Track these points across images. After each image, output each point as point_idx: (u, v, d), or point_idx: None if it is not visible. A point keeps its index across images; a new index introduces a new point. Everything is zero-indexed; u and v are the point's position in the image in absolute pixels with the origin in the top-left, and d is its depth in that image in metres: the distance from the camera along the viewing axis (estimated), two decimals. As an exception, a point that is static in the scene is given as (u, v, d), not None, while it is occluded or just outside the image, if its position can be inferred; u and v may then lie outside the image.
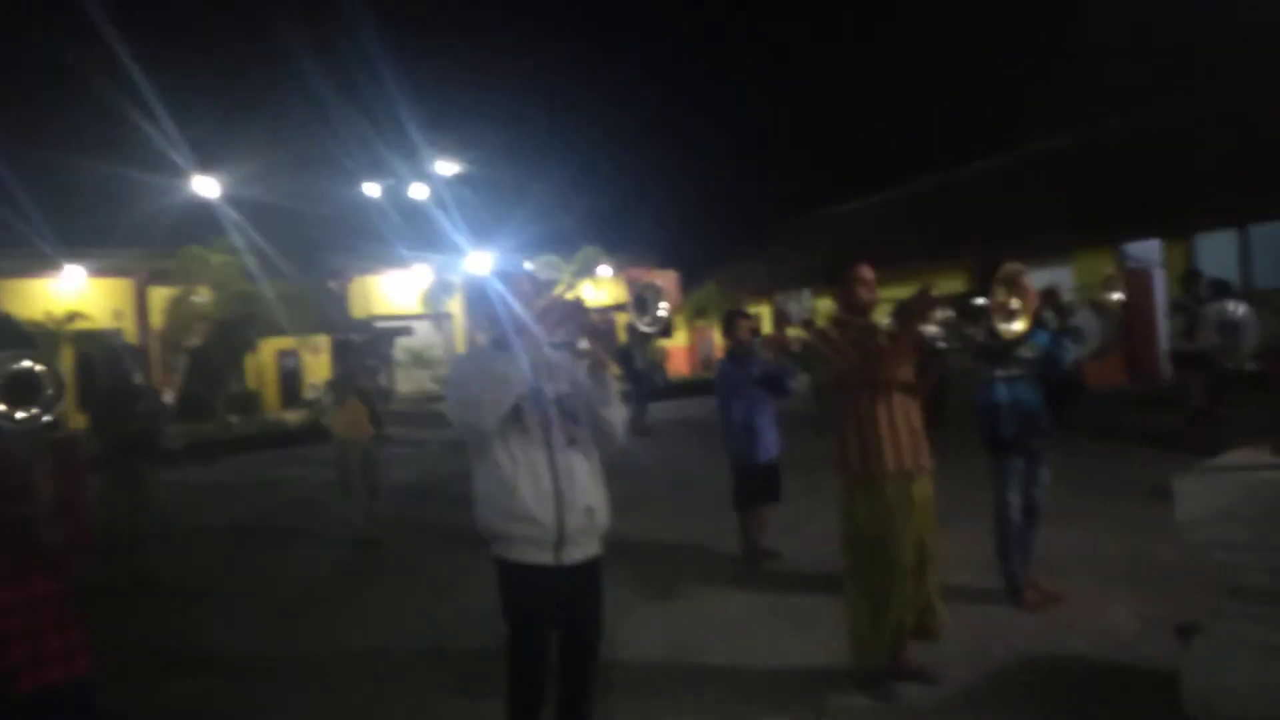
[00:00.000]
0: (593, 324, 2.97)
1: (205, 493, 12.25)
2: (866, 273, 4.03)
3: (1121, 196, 16.47)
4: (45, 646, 2.13)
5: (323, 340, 25.72)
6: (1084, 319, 5.39)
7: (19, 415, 1.93)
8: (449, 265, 26.33)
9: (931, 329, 4.00)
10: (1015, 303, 3.75)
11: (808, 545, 6.20)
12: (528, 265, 4.49)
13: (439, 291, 27.06)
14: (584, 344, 2.99)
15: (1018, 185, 20.91)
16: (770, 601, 5.31)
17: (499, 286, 3.03)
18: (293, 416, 21.27)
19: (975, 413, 4.88)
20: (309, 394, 24.30)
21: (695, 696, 4.04)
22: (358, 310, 27.68)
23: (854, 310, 4.03)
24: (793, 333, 7.11)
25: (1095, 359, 4.93)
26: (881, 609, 3.84)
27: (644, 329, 3.08)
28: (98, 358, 7.97)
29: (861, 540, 3.90)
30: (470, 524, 3.11)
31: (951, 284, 18.89)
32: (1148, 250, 16.63)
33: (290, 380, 26.48)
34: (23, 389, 1.95)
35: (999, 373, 4.76)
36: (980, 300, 3.84)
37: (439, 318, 28.57)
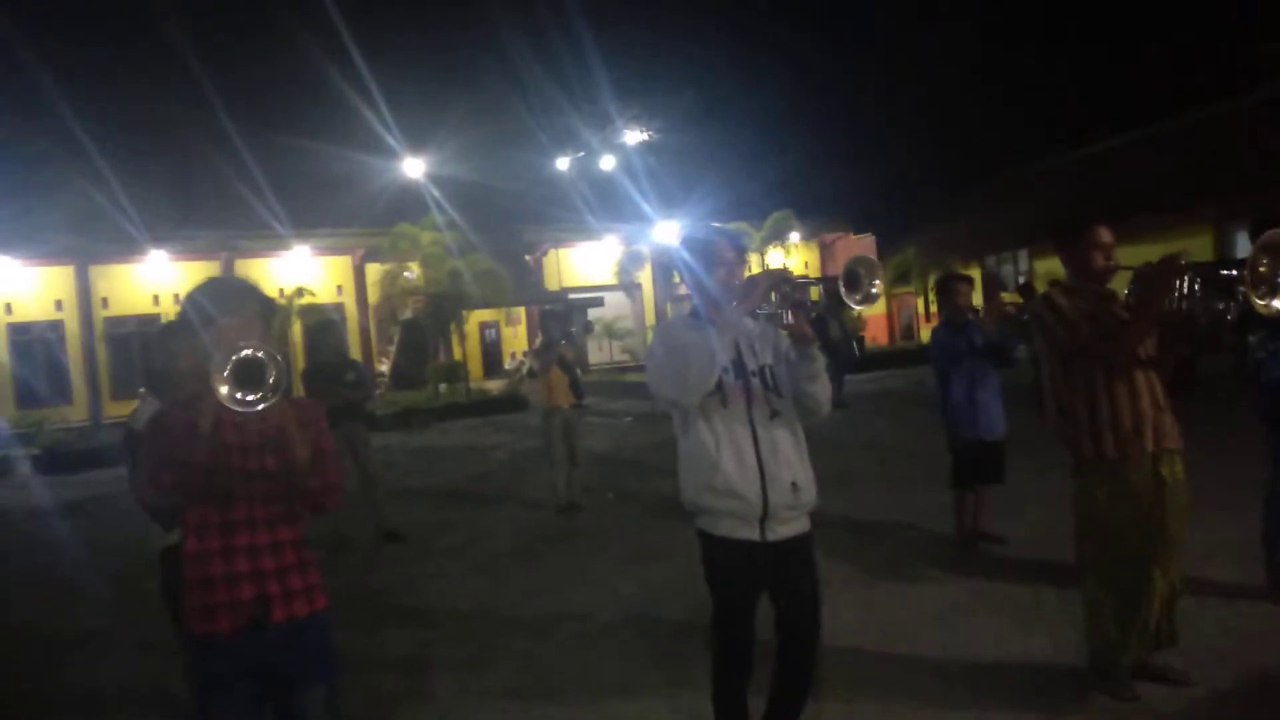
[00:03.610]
0: (798, 297, 2.82)
1: (416, 456, 13.12)
2: (1105, 235, 3.64)
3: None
4: (291, 583, 2.42)
5: (520, 312, 26.88)
6: None
7: (248, 398, 2.11)
8: (638, 235, 26.75)
9: (1177, 300, 3.55)
10: None
11: (1032, 530, 5.80)
12: (730, 228, 4.33)
13: (629, 262, 27.57)
14: (789, 316, 2.85)
15: (1273, 128, 18.48)
16: (989, 589, 4.98)
17: (692, 254, 2.94)
18: (494, 385, 22.37)
19: (1262, 387, 4.32)
20: (509, 364, 25.51)
21: (907, 686, 3.84)
22: (551, 282, 28.65)
23: (1088, 277, 3.66)
24: (1008, 299, 6.62)
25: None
26: (1127, 604, 3.50)
27: (855, 306, 2.89)
28: (313, 331, 8.73)
29: (1102, 528, 3.56)
30: (667, 493, 3.07)
31: (1194, 243, 17.07)
32: None
33: (491, 351, 27.91)
34: (249, 375, 2.12)
35: None
36: (1235, 271, 3.35)
37: (629, 288, 29.12)
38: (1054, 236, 3.86)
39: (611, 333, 27.64)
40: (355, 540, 7.28)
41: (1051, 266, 4.15)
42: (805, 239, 29.79)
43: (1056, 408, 3.70)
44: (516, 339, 27.75)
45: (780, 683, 2.96)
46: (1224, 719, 3.34)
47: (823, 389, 2.94)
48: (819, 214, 29.58)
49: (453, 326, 22.11)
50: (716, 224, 3.30)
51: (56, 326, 22.96)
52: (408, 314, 22.50)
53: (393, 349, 24.50)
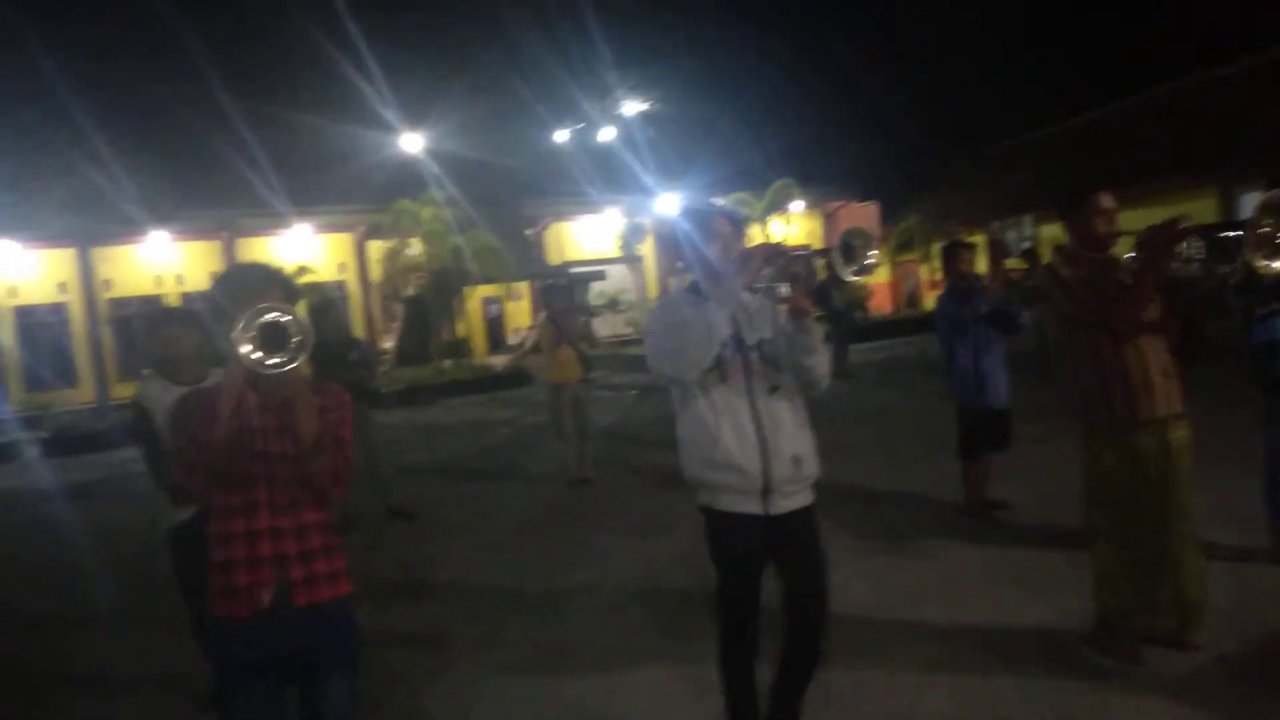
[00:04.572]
0: (795, 270, 2.80)
1: (421, 433, 13.14)
2: (1106, 202, 3.64)
3: None
4: (315, 569, 2.41)
5: (522, 287, 26.81)
6: None
7: (270, 362, 2.12)
8: (640, 207, 26.61)
9: (1180, 265, 3.54)
10: None
11: (1036, 496, 5.81)
12: (722, 202, 4.38)
13: (631, 235, 27.45)
14: (785, 289, 2.83)
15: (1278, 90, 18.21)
16: (994, 556, 5.00)
17: (689, 229, 2.92)
18: (498, 361, 22.34)
19: (1251, 350, 4.33)
20: (512, 339, 25.48)
21: (912, 652, 3.87)
22: (553, 256, 28.53)
23: (1090, 244, 3.66)
24: (1012, 265, 6.58)
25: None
26: (1138, 569, 3.53)
27: (850, 278, 2.88)
28: (314, 312, 8.70)
29: (1110, 493, 3.58)
30: (671, 467, 3.09)
31: (1200, 206, 16.95)
32: None
33: (495, 326, 27.86)
34: (273, 338, 2.13)
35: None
36: (1237, 233, 3.33)
37: (632, 261, 29.01)
38: (1056, 204, 3.84)
39: (615, 305, 27.55)
40: (363, 518, 7.32)
41: (1056, 233, 4.09)
42: (808, 208, 29.59)
43: (1063, 375, 3.71)
44: (519, 314, 27.68)
45: (789, 655, 2.97)
46: (1229, 682, 3.35)
47: (821, 362, 2.92)
48: (822, 183, 29.35)
49: (455, 303, 22.05)
50: (713, 198, 3.29)
51: (60, 309, 22.96)
52: (410, 291, 22.45)
53: (396, 326, 24.48)
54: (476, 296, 25.57)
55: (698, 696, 3.57)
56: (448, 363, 21.03)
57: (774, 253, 2.79)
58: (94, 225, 21.36)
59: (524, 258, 25.56)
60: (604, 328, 28.11)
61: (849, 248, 2.77)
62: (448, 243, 20.55)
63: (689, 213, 3.01)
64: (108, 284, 23.34)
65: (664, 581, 5.20)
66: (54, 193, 20.16)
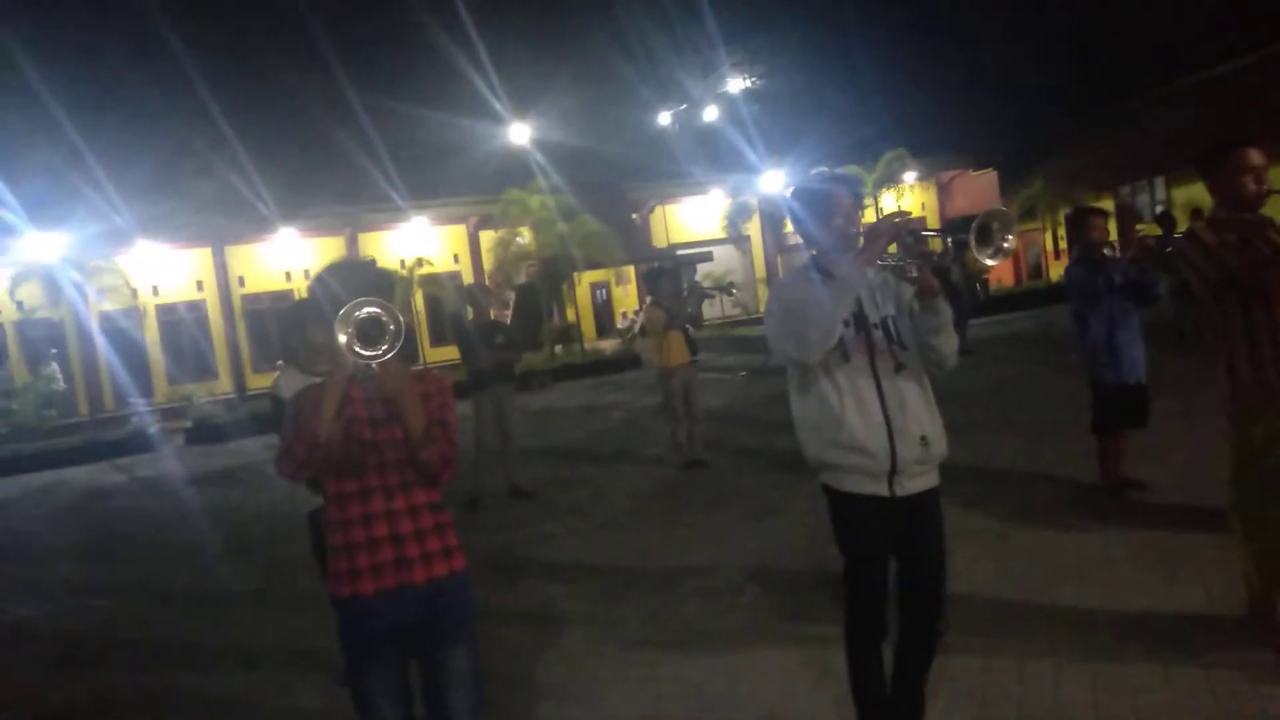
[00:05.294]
0: (923, 248, 2.71)
1: (537, 417, 13.40)
2: (1254, 158, 3.39)
3: None
4: (429, 545, 2.51)
5: (629, 271, 27.00)
6: None
7: (369, 354, 2.25)
8: (745, 187, 26.36)
9: None
10: None
11: (1177, 475, 5.50)
12: (843, 172, 4.22)
13: (736, 215, 27.23)
14: (913, 270, 2.74)
15: None
16: (1132, 537, 4.75)
17: (808, 203, 2.86)
18: (608, 345, 22.58)
19: None
20: (621, 324, 25.71)
21: (1046, 639, 3.71)
22: (659, 239, 28.58)
23: (1237, 205, 3.42)
24: (1144, 230, 6.22)
25: None
26: (1274, 548, 3.30)
27: (988, 262, 2.76)
28: (449, 298, 9.01)
29: (1256, 470, 3.36)
30: (784, 448, 3.04)
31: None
32: None
33: (603, 311, 28.13)
34: (370, 332, 2.26)
35: None
36: None
37: (738, 241, 28.80)
38: (1198, 162, 3.60)
39: (730, 287, 27.42)
40: (488, 497, 7.54)
41: (1192, 194, 3.82)
42: (921, 179, 28.65)
43: (1209, 347, 3.49)
44: (627, 298, 27.86)
45: (906, 637, 2.91)
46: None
47: (948, 341, 2.83)
48: (935, 152, 28.32)
49: (565, 289, 22.39)
50: (830, 170, 3.19)
51: (198, 306, 24.43)
52: (522, 279, 22.95)
53: (509, 313, 25.05)
54: (584, 282, 25.88)
55: (820, 680, 3.53)
56: (559, 348, 21.39)
57: (901, 230, 2.70)
58: (228, 224, 22.64)
59: (630, 242, 25.70)
60: (711, 309, 28.05)
61: (986, 230, 2.64)
62: (556, 230, 20.88)
63: (806, 189, 2.94)
64: (241, 280, 24.68)
65: (782, 563, 5.16)
66: (192, 195, 21.45)
